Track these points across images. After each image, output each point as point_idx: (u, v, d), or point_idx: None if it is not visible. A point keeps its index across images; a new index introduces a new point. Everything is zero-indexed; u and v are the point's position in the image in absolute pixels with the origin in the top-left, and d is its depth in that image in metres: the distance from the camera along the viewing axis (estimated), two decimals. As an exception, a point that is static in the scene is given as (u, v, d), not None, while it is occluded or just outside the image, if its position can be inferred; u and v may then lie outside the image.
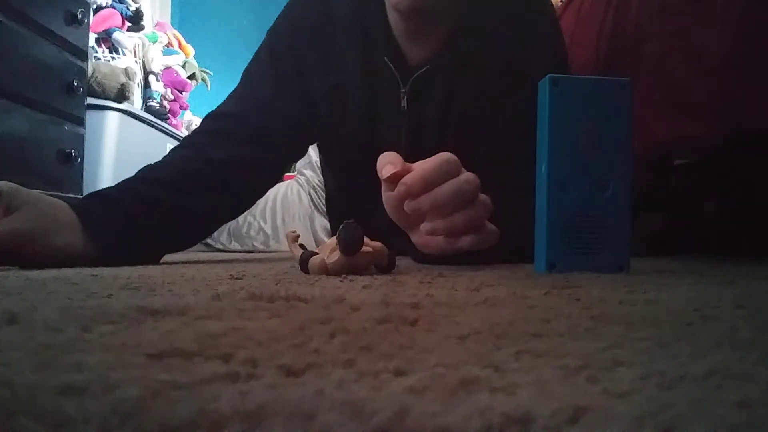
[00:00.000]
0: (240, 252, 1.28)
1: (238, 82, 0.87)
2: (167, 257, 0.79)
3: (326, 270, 0.53)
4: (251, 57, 0.89)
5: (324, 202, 1.28)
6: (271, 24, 0.89)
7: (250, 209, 0.96)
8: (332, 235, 1.21)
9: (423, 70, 0.81)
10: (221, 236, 1.33)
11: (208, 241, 1.31)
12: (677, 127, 1.06)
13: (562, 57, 0.86)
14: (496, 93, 0.81)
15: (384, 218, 0.97)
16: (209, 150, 0.78)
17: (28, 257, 0.58)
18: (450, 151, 0.84)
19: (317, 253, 0.55)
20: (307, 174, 1.35)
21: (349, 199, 1.01)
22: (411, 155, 0.88)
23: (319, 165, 1.26)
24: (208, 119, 0.84)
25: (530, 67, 0.77)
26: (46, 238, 0.59)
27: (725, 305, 0.34)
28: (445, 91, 0.83)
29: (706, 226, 1.06)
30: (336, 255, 0.52)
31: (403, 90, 0.83)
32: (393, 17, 0.80)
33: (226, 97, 0.87)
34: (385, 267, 0.57)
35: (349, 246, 0.51)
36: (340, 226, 0.52)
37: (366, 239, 0.52)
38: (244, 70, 0.88)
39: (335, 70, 0.84)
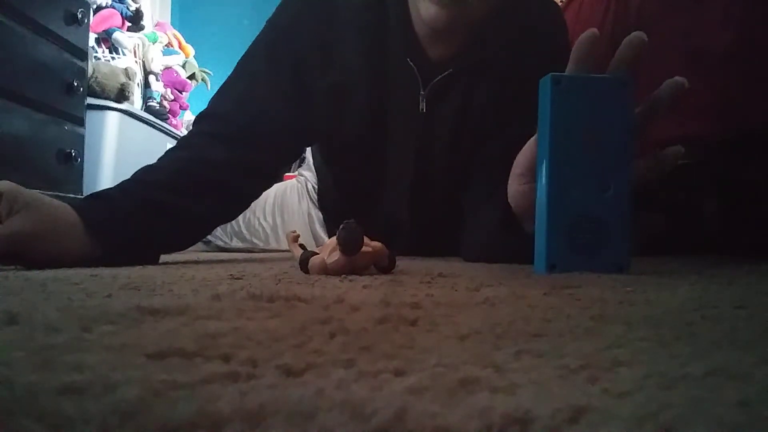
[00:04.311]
0: (240, 251, 1.28)
1: (231, 72, 0.85)
2: (167, 257, 0.79)
3: (326, 270, 0.53)
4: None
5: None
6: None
7: (251, 207, 0.96)
8: (329, 235, 1.21)
9: (445, 74, 0.81)
10: (221, 233, 1.33)
11: (209, 237, 1.31)
12: (677, 127, 1.06)
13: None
14: (511, 95, 0.81)
15: (383, 215, 0.97)
16: (204, 152, 0.77)
17: (30, 260, 0.58)
18: (465, 148, 0.85)
19: (317, 253, 0.55)
20: (306, 175, 1.35)
21: (349, 195, 1.00)
22: (422, 155, 0.88)
23: (312, 164, 1.26)
24: (201, 121, 0.82)
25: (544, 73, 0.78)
26: (48, 241, 0.59)
27: (725, 305, 0.34)
28: (464, 92, 0.82)
29: (706, 226, 1.06)
30: (336, 255, 0.52)
31: (423, 92, 0.82)
32: (419, 20, 0.79)
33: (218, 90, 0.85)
34: (385, 267, 0.57)
35: (349, 246, 0.51)
36: (341, 226, 0.51)
37: (366, 239, 0.52)
38: (239, 62, 0.85)
39: (337, 67, 0.82)
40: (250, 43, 0.86)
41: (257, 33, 0.87)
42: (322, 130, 0.88)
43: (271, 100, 0.82)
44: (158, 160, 0.77)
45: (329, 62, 0.82)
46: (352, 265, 0.52)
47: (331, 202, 1.15)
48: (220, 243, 1.32)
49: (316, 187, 1.26)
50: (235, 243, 1.32)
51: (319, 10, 0.83)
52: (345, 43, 0.82)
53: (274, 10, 0.88)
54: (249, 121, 0.80)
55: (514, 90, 0.80)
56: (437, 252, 0.96)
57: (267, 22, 0.86)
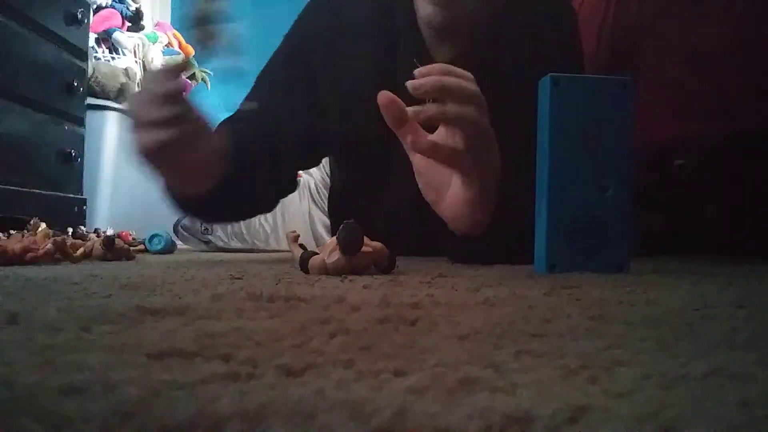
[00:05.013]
0: (240, 251, 1.28)
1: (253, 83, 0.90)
2: (168, 257, 0.79)
3: (326, 270, 0.53)
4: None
5: (324, 200, 1.28)
6: (286, 29, 0.92)
7: None
8: (332, 234, 1.21)
9: None
10: (221, 233, 1.33)
11: (209, 238, 1.31)
12: (677, 127, 1.06)
13: (579, 67, 0.87)
14: (513, 94, 0.81)
15: (385, 215, 0.97)
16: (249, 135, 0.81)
17: (181, 158, 0.63)
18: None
19: (317, 253, 0.55)
20: (311, 171, 1.35)
21: (352, 194, 1.01)
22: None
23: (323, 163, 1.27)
24: (227, 123, 0.86)
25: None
26: (200, 145, 0.65)
27: (725, 305, 0.34)
28: None
29: (706, 226, 1.06)
30: (336, 255, 0.52)
31: None
32: (422, 20, 0.80)
33: (227, 99, 0.90)
34: (385, 267, 0.57)
35: (349, 246, 0.51)
36: (340, 226, 0.52)
37: (366, 239, 0.52)
38: (259, 75, 0.90)
39: (347, 76, 0.85)
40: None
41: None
42: (335, 137, 0.91)
43: (286, 113, 0.85)
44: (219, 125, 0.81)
45: (339, 74, 0.85)
46: (352, 265, 0.52)
47: (338, 201, 1.16)
48: (220, 243, 1.32)
49: (317, 186, 1.27)
50: (235, 244, 1.32)
51: (329, 25, 0.86)
52: (355, 54, 0.84)
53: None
54: (267, 131, 0.83)
55: (517, 90, 0.80)
56: (438, 252, 0.96)
57: (285, 36, 0.91)
